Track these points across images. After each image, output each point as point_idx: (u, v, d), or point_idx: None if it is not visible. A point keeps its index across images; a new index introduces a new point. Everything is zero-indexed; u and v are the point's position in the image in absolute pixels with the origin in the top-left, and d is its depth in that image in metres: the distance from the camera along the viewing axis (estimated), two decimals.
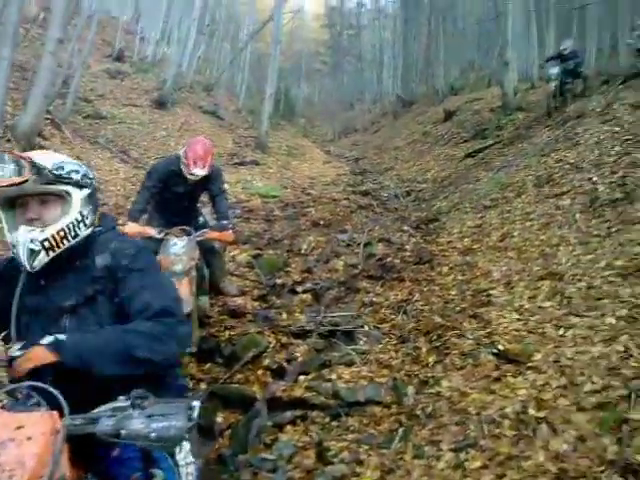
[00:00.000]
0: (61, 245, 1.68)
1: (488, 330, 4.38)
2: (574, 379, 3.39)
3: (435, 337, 4.65)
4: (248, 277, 6.49)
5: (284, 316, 5.52)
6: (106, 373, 1.54)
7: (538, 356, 3.80)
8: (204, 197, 5.10)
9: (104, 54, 21.07)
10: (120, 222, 3.43)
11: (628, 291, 4.18)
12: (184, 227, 4.49)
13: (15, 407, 1.41)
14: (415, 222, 8.88)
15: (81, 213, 1.73)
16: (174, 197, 4.63)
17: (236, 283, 6.09)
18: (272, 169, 14.59)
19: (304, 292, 6.16)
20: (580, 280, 4.71)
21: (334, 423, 3.75)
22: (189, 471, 1.78)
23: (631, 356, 3.38)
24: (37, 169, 1.62)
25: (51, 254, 1.66)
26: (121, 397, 1.41)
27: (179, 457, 1.75)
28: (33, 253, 1.62)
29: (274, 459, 3.36)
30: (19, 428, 1.22)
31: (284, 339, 4.98)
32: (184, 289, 3.91)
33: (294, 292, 6.19)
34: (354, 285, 6.24)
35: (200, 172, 4.32)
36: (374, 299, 5.82)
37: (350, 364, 4.51)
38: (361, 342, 4.92)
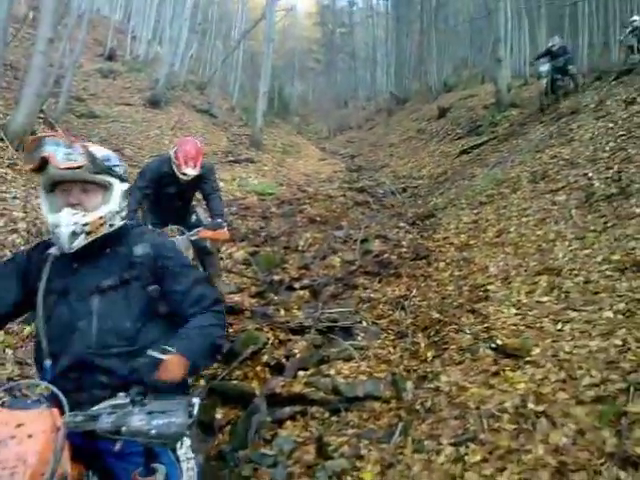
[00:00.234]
0: (99, 231, 1.74)
1: (486, 325, 4.39)
2: (573, 373, 3.40)
3: (433, 332, 4.66)
4: (245, 274, 6.49)
5: (282, 312, 5.52)
6: (201, 368, 1.73)
7: (536, 350, 3.81)
8: (199, 195, 5.09)
9: (96, 53, 20.98)
10: None
11: (625, 285, 4.20)
12: (177, 227, 4.48)
13: (15, 404, 1.41)
14: (411, 218, 8.89)
15: (119, 205, 1.80)
16: (167, 197, 4.61)
17: (233, 280, 6.08)
18: (267, 167, 14.58)
19: (302, 288, 6.16)
20: (577, 275, 4.73)
21: (334, 418, 3.75)
22: (190, 466, 1.80)
23: (629, 349, 3.39)
24: (92, 158, 1.70)
25: (89, 238, 1.72)
26: (121, 394, 1.42)
27: (180, 452, 1.77)
28: (74, 235, 1.68)
29: (274, 454, 3.36)
30: (20, 426, 1.22)
31: (282, 335, 4.98)
32: None
33: (292, 289, 6.20)
34: (351, 281, 6.24)
35: (192, 172, 4.32)
36: (372, 295, 5.83)
37: (349, 359, 4.51)
38: (359, 338, 4.92)
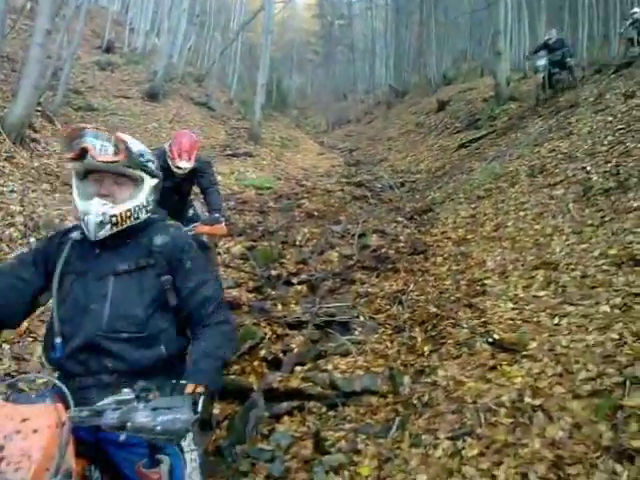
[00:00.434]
0: (124, 223, 1.79)
1: (483, 319, 4.40)
2: (569, 367, 3.41)
3: (430, 327, 4.67)
4: (243, 269, 6.49)
5: (279, 307, 5.52)
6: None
7: (533, 344, 3.82)
8: (197, 189, 5.07)
9: (94, 45, 20.88)
10: None
11: (622, 279, 4.20)
12: (174, 221, 4.46)
13: (20, 399, 1.41)
14: (409, 213, 8.89)
15: (147, 199, 1.87)
16: (163, 192, 4.58)
17: (231, 275, 6.08)
18: (265, 160, 14.55)
19: (299, 283, 6.17)
20: (574, 269, 4.73)
21: (331, 413, 3.77)
22: (193, 457, 1.82)
23: (625, 344, 3.40)
24: (128, 152, 1.75)
25: (114, 229, 1.77)
26: (125, 390, 1.42)
27: (184, 444, 1.77)
28: (101, 224, 1.74)
29: (271, 449, 3.37)
30: (24, 420, 1.21)
31: (280, 330, 4.99)
32: None
33: (289, 283, 6.20)
34: (349, 276, 6.25)
35: (186, 165, 4.28)
36: (369, 290, 5.83)
37: (346, 354, 4.53)
38: (357, 332, 4.93)
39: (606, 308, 3.92)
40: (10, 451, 1.15)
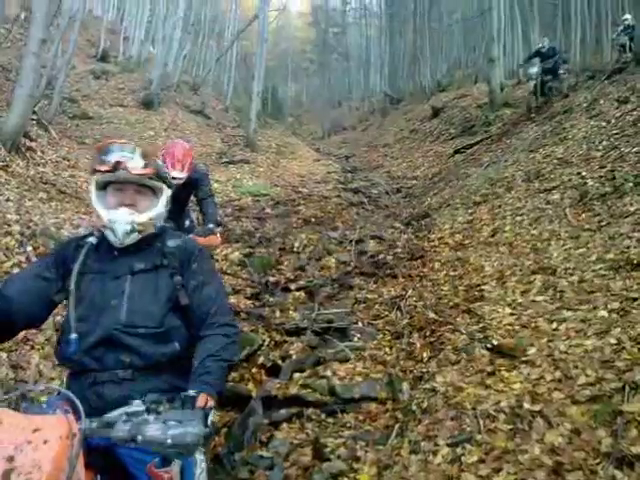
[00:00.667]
0: (147, 230, 1.91)
1: (482, 325, 4.40)
2: (568, 372, 3.41)
3: (429, 332, 4.66)
4: (240, 275, 6.48)
5: (278, 314, 5.51)
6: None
7: (532, 350, 3.82)
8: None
9: (89, 54, 20.90)
10: None
11: (620, 284, 4.22)
12: None
13: (31, 409, 1.40)
14: (406, 219, 8.91)
15: (164, 208, 1.98)
16: None
17: (229, 282, 6.06)
18: (262, 168, 14.55)
19: (297, 290, 6.16)
20: (572, 274, 4.74)
21: (330, 420, 3.76)
22: (201, 457, 1.87)
23: (624, 349, 3.41)
24: (156, 165, 1.91)
25: (140, 236, 1.88)
26: (136, 401, 1.42)
27: None
28: (129, 232, 1.84)
29: (270, 457, 3.35)
30: (36, 431, 1.20)
31: (278, 337, 4.98)
32: None
33: (287, 290, 6.19)
34: (347, 282, 6.25)
35: (179, 175, 4.23)
36: (367, 296, 5.83)
37: (345, 361, 4.52)
38: (355, 339, 4.92)
39: (604, 313, 3.93)
40: (21, 462, 1.14)
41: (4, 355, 3.44)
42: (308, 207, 9.88)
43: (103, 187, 1.91)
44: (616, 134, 7.44)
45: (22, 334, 3.69)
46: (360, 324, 5.19)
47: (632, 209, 5.36)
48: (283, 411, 3.83)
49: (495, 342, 4.05)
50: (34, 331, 3.83)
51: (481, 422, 3.19)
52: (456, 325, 4.57)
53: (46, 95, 11.32)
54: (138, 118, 15.51)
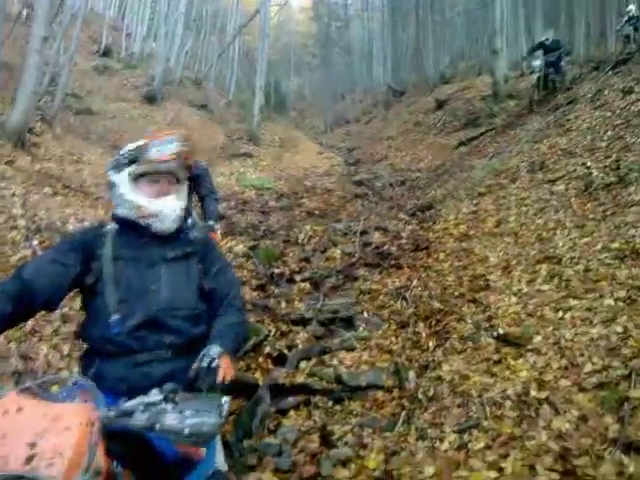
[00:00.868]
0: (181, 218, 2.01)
1: (487, 314, 4.41)
2: (574, 360, 3.42)
3: (434, 322, 4.67)
4: (246, 267, 6.51)
5: (283, 305, 5.54)
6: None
7: (538, 338, 3.83)
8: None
9: (91, 51, 20.92)
10: None
11: (625, 273, 4.21)
12: None
13: (51, 397, 1.42)
14: (411, 210, 8.89)
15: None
16: None
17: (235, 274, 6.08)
18: (265, 161, 14.56)
19: (302, 281, 6.18)
20: (577, 263, 4.74)
21: (337, 407, 3.79)
22: (218, 436, 1.98)
23: (630, 336, 3.41)
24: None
25: (177, 224, 1.97)
26: (154, 391, 1.43)
27: None
28: (175, 219, 1.94)
29: (279, 443, 3.38)
30: (57, 418, 1.22)
31: (284, 327, 5.00)
32: None
33: (292, 281, 6.22)
34: (352, 273, 6.26)
35: None
36: (372, 286, 5.84)
37: (351, 349, 4.55)
38: (361, 328, 4.94)
39: (610, 301, 3.93)
40: (43, 448, 1.16)
41: (13, 346, 3.47)
42: (312, 200, 9.89)
43: (136, 178, 1.94)
44: (621, 124, 7.41)
45: (30, 325, 3.73)
46: (365, 314, 5.21)
47: (637, 198, 5.34)
48: (290, 399, 3.87)
49: (501, 331, 4.06)
50: (42, 323, 3.86)
51: (487, 409, 3.20)
52: (461, 314, 4.58)
53: (49, 92, 11.35)
54: (141, 113, 15.54)
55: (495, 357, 3.79)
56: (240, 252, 6.85)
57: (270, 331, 4.85)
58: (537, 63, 12.17)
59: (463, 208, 7.74)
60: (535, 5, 20.60)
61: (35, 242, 5.06)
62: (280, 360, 4.44)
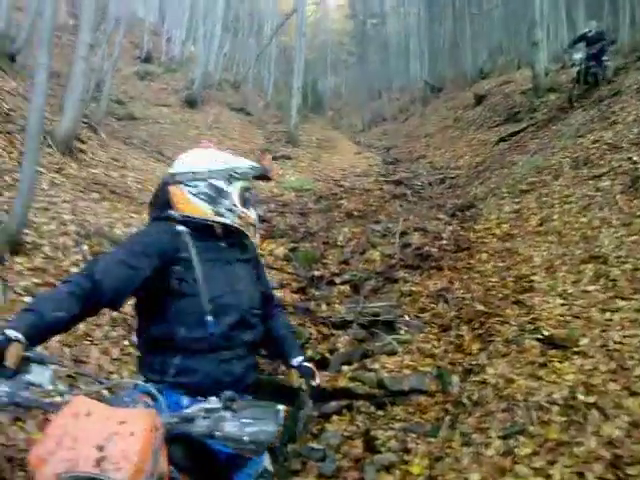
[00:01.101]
0: None
1: (532, 316, 4.34)
2: (623, 363, 3.35)
3: (477, 325, 4.63)
4: (286, 270, 6.56)
5: (324, 307, 5.57)
6: None
7: (584, 341, 3.76)
8: None
9: (133, 56, 21.38)
10: None
11: None
12: None
13: (116, 401, 1.48)
14: (451, 209, 8.78)
15: None
16: None
17: (275, 277, 6.16)
18: (304, 162, 14.62)
19: (342, 283, 6.19)
20: (625, 262, 4.63)
21: (380, 412, 3.80)
22: None
23: None
24: None
25: None
26: (213, 398, 1.48)
27: None
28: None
29: (322, 448, 3.42)
30: (122, 423, 1.26)
31: (325, 330, 5.04)
32: None
33: (332, 283, 6.23)
34: (392, 275, 6.24)
35: None
36: (413, 288, 5.81)
37: (392, 353, 4.54)
38: (402, 332, 4.93)
39: None
40: (111, 452, 1.20)
41: (67, 350, 3.60)
42: (350, 201, 9.87)
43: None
44: None
45: (81, 329, 3.86)
46: (406, 317, 5.19)
47: None
48: (333, 403, 3.90)
49: (546, 333, 4.00)
50: (93, 327, 3.99)
51: (533, 414, 3.17)
52: (505, 317, 4.52)
53: (94, 98, 11.66)
54: (182, 117, 15.80)
55: (540, 360, 3.73)
56: (280, 255, 6.92)
57: (311, 334, 4.89)
58: (578, 56, 11.78)
59: (505, 207, 7.62)
60: None
61: (85, 247, 5.22)
62: (322, 363, 4.46)
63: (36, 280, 4.22)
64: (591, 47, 11.63)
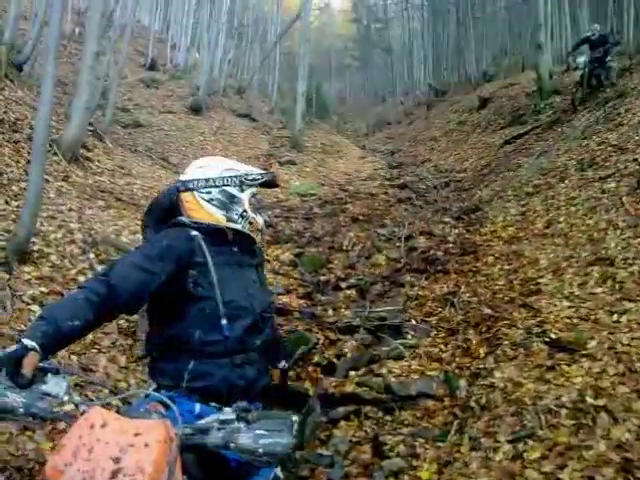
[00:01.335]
0: None
1: (539, 319, 4.33)
2: (632, 366, 3.33)
3: (485, 328, 4.61)
4: (292, 275, 6.57)
5: (330, 312, 5.57)
6: None
7: (592, 343, 3.74)
8: None
9: (138, 64, 21.51)
10: None
11: None
12: None
13: (131, 411, 1.48)
14: (456, 213, 8.77)
15: None
16: None
17: (281, 282, 6.16)
18: (308, 167, 14.64)
19: (348, 288, 6.19)
20: (632, 264, 4.61)
21: (387, 417, 3.78)
22: None
23: None
24: None
25: None
26: (227, 409, 1.48)
27: None
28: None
29: (330, 454, 3.41)
30: (137, 435, 1.26)
31: (332, 335, 5.03)
32: None
33: (338, 288, 6.23)
34: (398, 279, 6.23)
35: None
36: (419, 292, 5.81)
37: (399, 358, 4.53)
38: (409, 336, 4.93)
39: None
40: (126, 463, 1.19)
41: (75, 358, 3.62)
42: (355, 205, 9.87)
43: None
44: None
45: (89, 338, 3.88)
46: (413, 321, 5.19)
47: None
48: (341, 409, 3.89)
49: (554, 336, 3.98)
50: (100, 335, 4.01)
51: (542, 417, 3.15)
52: (512, 320, 4.50)
53: (100, 106, 11.73)
54: (187, 124, 15.85)
55: (548, 363, 3.71)
56: (286, 260, 6.92)
57: (318, 339, 4.88)
58: (581, 59, 11.72)
59: (511, 209, 7.61)
60: None
61: (92, 255, 5.25)
62: (329, 369, 4.47)
63: (43, 289, 4.25)
64: (595, 50, 11.56)
